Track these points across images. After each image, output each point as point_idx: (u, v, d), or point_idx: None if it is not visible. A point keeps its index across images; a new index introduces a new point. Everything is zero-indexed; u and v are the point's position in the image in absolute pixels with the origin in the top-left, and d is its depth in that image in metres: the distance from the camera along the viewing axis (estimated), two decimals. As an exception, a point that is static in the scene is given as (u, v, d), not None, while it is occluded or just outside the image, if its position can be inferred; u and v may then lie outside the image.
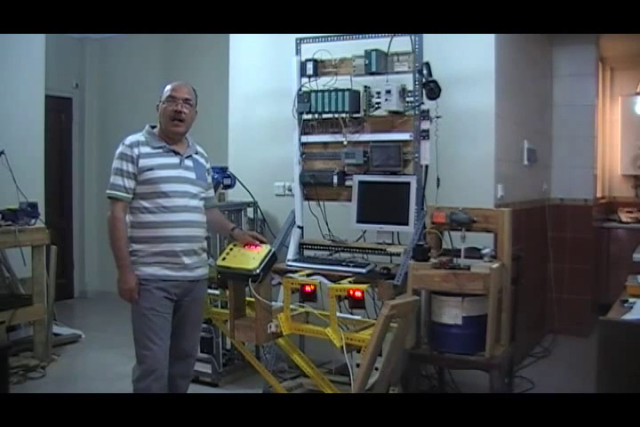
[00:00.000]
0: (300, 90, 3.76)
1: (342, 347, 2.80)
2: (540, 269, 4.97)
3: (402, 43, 3.47)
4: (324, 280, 3.17)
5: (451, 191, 3.62)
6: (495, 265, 3.06)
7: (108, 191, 2.77)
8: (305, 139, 3.81)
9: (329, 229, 3.85)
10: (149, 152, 2.78)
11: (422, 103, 3.49)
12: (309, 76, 3.75)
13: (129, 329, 2.80)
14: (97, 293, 6.50)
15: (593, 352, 2.36)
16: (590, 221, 5.23)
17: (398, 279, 3.23)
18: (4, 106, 4.66)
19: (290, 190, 4.21)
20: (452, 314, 3.12)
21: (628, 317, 2.46)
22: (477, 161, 3.82)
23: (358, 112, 3.62)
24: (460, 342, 3.12)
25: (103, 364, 4.33)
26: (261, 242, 2.97)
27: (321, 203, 3.85)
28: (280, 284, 3.26)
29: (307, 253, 3.89)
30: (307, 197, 3.88)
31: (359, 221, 3.67)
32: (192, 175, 2.85)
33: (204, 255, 2.92)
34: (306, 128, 3.80)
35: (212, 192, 3.07)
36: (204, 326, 3.58)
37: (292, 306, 3.04)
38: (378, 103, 3.54)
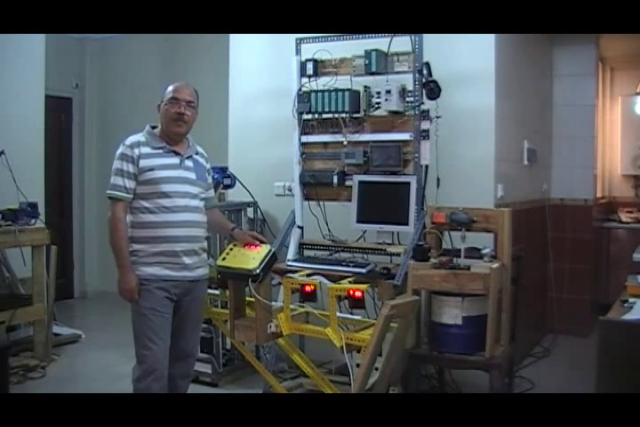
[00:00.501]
0: (299, 90, 3.76)
1: (342, 347, 2.80)
2: (540, 269, 4.97)
3: (402, 43, 3.47)
4: (324, 280, 3.17)
5: (451, 191, 3.63)
6: (495, 265, 3.06)
7: (108, 192, 2.77)
8: (305, 139, 3.81)
9: (329, 229, 3.85)
10: (150, 152, 2.78)
11: (422, 103, 3.49)
12: (309, 76, 3.75)
13: (129, 329, 2.80)
14: (97, 293, 6.50)
15: (593, 352, 2.36)
16: (590, 221, 5.23)
17: (398, 279, 3.23)
18: (4, 106, 4.66)
19: (290, 190, 4.21)
20: (452, 314, 3.12)
21: (628, 317, 2.46)
22: (477, 161, 3.83)
23: (358, 112, 3.62)
24: (460, 342, 3.12)
25: (103, 364, 4.33)
26: (261, 242, 2.97)
27: (321, 203, 3.85)
28: (280, 284, 3.26)
29: (307, 253, 3.89)
30: (307, 197, 3.88)
31: (359, 221, 3.67)
32: (192, 176, 2.85)
33: (205, 255, 2.92)
34: (306, 128, 3.80)
35: (212, 192, 3.07)
36: (204, 326, 3.58)
37: (292, 306, 3.05)
38: (378, 103, 3.54)
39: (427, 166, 3.58)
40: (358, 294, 2.83)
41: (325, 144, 3.79)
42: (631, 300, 2.70)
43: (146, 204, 2.75)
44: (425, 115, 3.51)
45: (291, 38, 3.83)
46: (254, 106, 4.48)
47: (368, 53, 3.50)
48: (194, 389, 3.27)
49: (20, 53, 4.78)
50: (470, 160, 3.82)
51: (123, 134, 2.90)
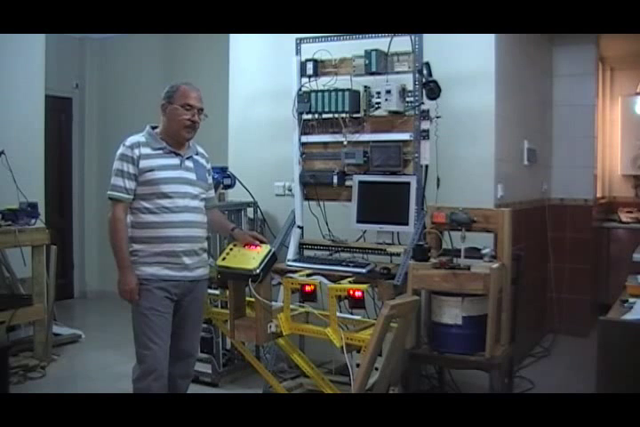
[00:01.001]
0: (299, 90, 3.76)
1: (342, 347, 2.80)
2: (540, 269, 4.97)
3: (402, 43, 3.47)
4: (324, 280, 3.16)
5: (451, 191, 3.63)
6: (495, 265, 3.06)
7: (108, 192, 2.76)
8: (305, 139, 3.81)
9: (329, 229, 3.85)
10: (150, 153, 2.77)
11: (422, 103, 3.49)
12: (309, 76, 3.75)
13: (129, 329, 2.80)
14: (97, 293, 6.50)
15: (593, 352, 2.36)
16: (590, 221, 5.23)
17: (398, 279, 3.23)
18: (4, 106, 4.66)
19: (290, 190, 4.21)
20: (452, 314, 3.12)
21: (628, 317, 2.46)
22: (477, 161, 3.82)
23: (358, 112, 3.62)
24: (460, 342, 3.12)
25: (103, 364, 4.33)
26: (261, 242, 2.97)
27: (321, 203, 3.85)
28: (280, 284, 3.26)
29: (307, 253, 3.88)
30: (307, 197, 3.88)
31: (359, 221, 3.67)
32: (192, 176, 2.85)
33: (205, 255, 2.92)
34: (306, 128, 3.80)
35: (212, 193, 3.07)
36: (204, 326, 3.58)
37: (292, 306, 3.04)
38: (378, 103, 3.54)
39: (427, 166, 3.58)
40: (358, 294, 2.83)
41: (325, 144, 3.79)
42: (631, 300, 2.70)
43: (146, 204, 2.75)
44: (425, 115, 3.51)
45: (291, 38, 3.83)
46: (254, 106, 4.48)
47: (368, 53, 3.50)
48: (194, 389, 3.27)
49: (20, 53, 4.77)
50: (470, 160, 3.82)
51: (123, 134, 2.90)
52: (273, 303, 3.01)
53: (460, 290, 3.06)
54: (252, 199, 4.28)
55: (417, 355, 3.23)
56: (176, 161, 2.82)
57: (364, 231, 3.74)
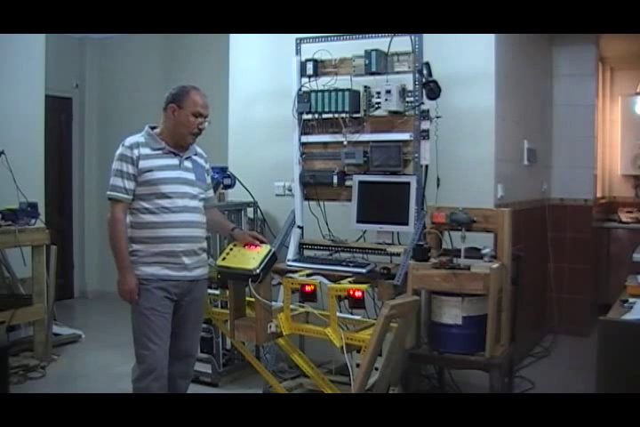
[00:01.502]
0: (299, 90, 3.76)
1: (342, 347, 2.80)
2: (539, 269, 4.97)
3: (402, 43, 3.47)
4: (324, 280, 3.17)
5: (451, 191, 3.63)
6: (495, 265, 3.06)
7: (108, 193, 2.76)
8: (305, 139, 3.81)
9: (329, 229, 3.85)
10: (149, 153, 2.77)
11: (422, 103, 3.49)
12: (309, 76, 3.75)
13: (129, 329, 2.80)
14: (97, 293, 6.50)
15: (593, 352, 2.36)
16: (590, 221, 5.23)
17: (398, 279, 3.23)
18: (4, 106, 4.66)
19: (290, 190, 4.21)
20: (452, 314, 3.12)
21: (628, 317, 2.46)
22: (477, 161, 3.82)
23: (358, 112, 3.62)
24: (460, 342, 3.12)
25: (103, 364, 4.33)
26: (261, 242, 2.97)
27: (321, 203, 3.85)
28: (280, 284, 3.26)
29: (307, 253, 3.89)
30: (307, 197, 3.88)
31: (359, 221, 3.67)
32: (191, 176, 2.85)
33: (204, 255, 2.92)
34: (306, 128, 3.80)
35: (211, 192, 3.07)
36: (204, 326, 3.58)
37: (292, 306, 3.04)
38: (378, 103, 3.54)
39: (427, 166, 3.58)
40: (358, 294, 2.83)
41: (325, 144, 3.79)
42: (631, 300, 2.70)
43: (145, 204, 2.75)
44: (425, 115, 3.51)
45: (291, 38, 3.83)
46: (254, 106, 4.48)
47: (368, 53, 3.50)
48: (194, 389, 3.27)
49: (20, 53, 4.77)
50: (470, 160, 3.82)
51: (123, 134, 2.90)
52: (273, 303, 3.01)
53: (459, 290, 3.06)
54: (252, 199, 4.28)
55: (417, 355, 3.23)
56: (175, 161, 2.82)
57: (364, 231, 3.74)
